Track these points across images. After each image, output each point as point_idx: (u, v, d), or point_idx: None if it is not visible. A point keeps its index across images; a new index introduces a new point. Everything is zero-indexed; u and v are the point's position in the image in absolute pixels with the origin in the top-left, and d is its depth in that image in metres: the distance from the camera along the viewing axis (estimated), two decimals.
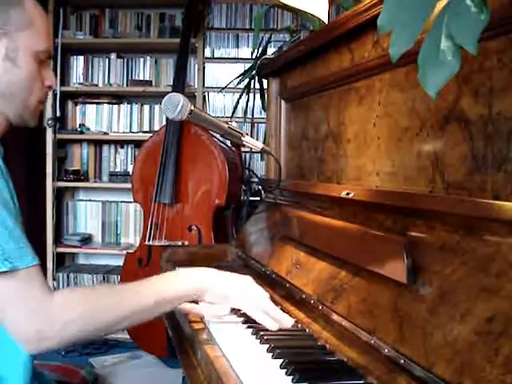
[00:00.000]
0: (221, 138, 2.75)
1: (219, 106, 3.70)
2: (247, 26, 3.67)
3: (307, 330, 1.10)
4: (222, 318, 1.14)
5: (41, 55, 1.12)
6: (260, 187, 1.88)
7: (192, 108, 1.48)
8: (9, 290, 0.93)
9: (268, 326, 1.09)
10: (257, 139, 3.11)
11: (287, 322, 1.12)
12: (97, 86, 3.71)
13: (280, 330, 1.10)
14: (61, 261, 3.73)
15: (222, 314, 1.13)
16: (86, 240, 3.66)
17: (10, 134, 1.16)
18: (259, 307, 1.11)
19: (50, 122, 3.52)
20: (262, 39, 2.68)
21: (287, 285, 1.29)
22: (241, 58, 3.67)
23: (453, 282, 0.80)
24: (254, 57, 2.60)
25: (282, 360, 0.91)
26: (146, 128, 3.73)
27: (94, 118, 3.77)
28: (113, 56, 3.74)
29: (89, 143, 3.78)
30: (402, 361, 0.81)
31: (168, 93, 1.53)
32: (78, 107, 3.79)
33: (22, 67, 1.10)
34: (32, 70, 1.11)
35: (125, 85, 3.72)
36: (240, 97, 2.71)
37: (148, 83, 3.68)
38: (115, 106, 3.75)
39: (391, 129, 1.13)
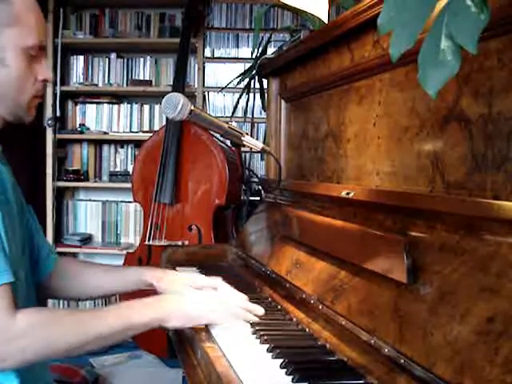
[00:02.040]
0: (221, 138, 2.75)
1: (219, 105, 3.70)
2: (247, 26, 3.67)
3: (307, 330, 1.10)
4: None
5: (31, 51, 1.07)
6: (260, 187, 1.88)
7: (192, 108, 1.48)
8: None
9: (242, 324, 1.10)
10: (257, 139, 3.10)
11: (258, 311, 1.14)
12: (97, 85, 3.71)
13: (280, 329, 1.10)
14: None
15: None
16: (86, 240, 3.66)
17: (6, 132, 1.13)
18: (233, 314, 1.12)
19: (49, 121, 3.52)
20: (262, 39, 2.68)
21: (287, 285, 1.29)
22: (241, 58, 3.67)
23: (453, 282, 0.80)
24: (254, 57, 2.60)
25: (282, 360, 0.91)
26: (146, 128, 3.73)
27: (93, 117, 3.77)
28: (113, 56, 3.74)
29: (89, 143, 3.78)
30: (402, 361, 0.81)
31: (168, 93, 1.53)
32: (78, 107, 3.79)
33: (11, 66, 1.05)
34: (22, 67, 1.06)
35: (125, 85, 3.73)
36: (240, 97, 2.71)
37: (148, 83, 3.69)
38: (115, 106, 3.76)
39: (391, 128, 1.13)
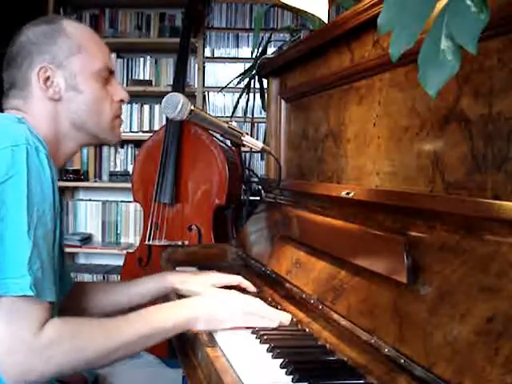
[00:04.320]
0: (221, 138, 2.75)
1: (219, 105, 3.70)
2: (247, 26, 3.67)
3: (307, 330, 1.10)
4: None
5: (101, 74, 1.14)
6: (260, 187, 1.88)
7: (192, 108, 1.48)
8: (18, 312, 0.91)
9: (267, 325, 1.09)
10: (257, 139, 3.10)
11: (285, 319, 1.12)
12: None
13: (280, 329, 1.10)
14: None
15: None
16: (86, 240, 3.66)
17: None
18: (257, 314, 1.11)
19: None
20: (262, 39, 2.68)
21: (287, 285, 1.29)
22: (241, 58, 3.67)
23: (453, 282, 0.80)
24: (254, 56, 2.60)
25: (281, 360, 0.91)
26: (146, 128, 3.73)
27: None
28: (113, 56, 3.74)
29: None
30: (402, 360, 0.81)
31: (168, 92, 1.53)
32: None
33: (84, 91, 1.12)
34: (95, 90, 1.13)
35: (125, 84, 3.72)
36: (240, 97, 2.71)
37: (148, 83, 3.69)
38: None
39: (391, 128, 1.13)
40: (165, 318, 1.05)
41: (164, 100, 1.47)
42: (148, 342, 1.03)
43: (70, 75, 1.11)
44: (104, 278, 3.50)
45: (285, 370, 0.88)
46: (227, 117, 3.43)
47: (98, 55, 1.15)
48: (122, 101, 1.19)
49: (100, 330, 1.00)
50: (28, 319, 0.92)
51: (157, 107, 3.73)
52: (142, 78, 3.75)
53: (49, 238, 0.98)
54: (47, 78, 1.10)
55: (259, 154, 3.34)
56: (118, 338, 0.99)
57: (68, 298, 1.24)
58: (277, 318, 1.11)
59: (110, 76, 1.18)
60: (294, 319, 1.15)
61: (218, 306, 1.10)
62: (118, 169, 3.76)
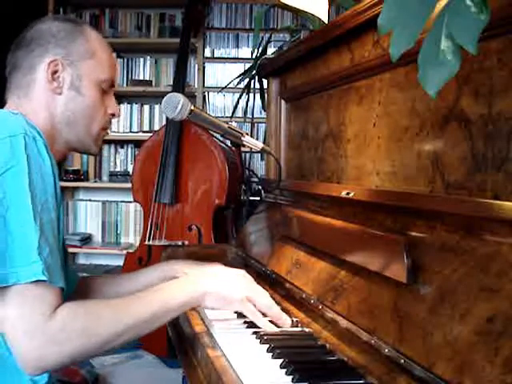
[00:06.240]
0: (221, 138, 2.75)
1: (219, 105, 3.70)
2: (247, 26, 3.68)
3: (307, 330, 1.10)
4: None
5: (103, 84, 1.19)
6: (260, 187, 1.88)
7: (192, 108, 1.47)
8: (30, 297, 0.92)
9: (268, 329, 1.09)
10: (257, 139, 3.12)
11: (287, 322, 1.13)
12: None
13: (280, 329, 1.10)
14: None
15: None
16: (86, 240, 3.66)
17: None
18: (262, 308, 1.11)
19: None
20: (262, 39, 2.68)
21: (287, 285, 1.29)
22: (241, 58, 3.67)
23: (453, 282, 0.80)
24: (254, 57, 2.60)
25: (281, 360, 0.91)
26: (146, 128, 3.74)
27: None
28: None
29: None
30: (402, 361, 0.81)
31: (168, 93, 1.53)
32: None
33: (85, 95, 1.16)
34: (95, 98, 1.17)
35: (125, 85, 3.73)
36: (240, 97, 2.71)
37: (148, 83, 3.69)
38: None
39: (391, 129, 1.13)
40: (176, 294, 1.06)
41: (164, 100, 1.47)
42: (160, 321, 1.03)
43: (77, 76, 1.15)
44: None
45: (285, 370, 0.88)
46: (227, 117, 3.43)
47: (107, 66, 1.20)
48: (112, 115, 1.23)
49: (113, 309, 1.00)
50: (41, 304, 0.92)
51: (157, 107, 3.73)
52: (141, 78, 3.75)
53: (53, 225, 0.99)
54: (55, 72, 1.13)
55: (259, 154, 3.34)
56: (130, 317, 0.99)
57: (73, 293, 1.25)
58: (280, 318, 1.12)
59: (110, 89, 1.22)
60: (294, 319, 1.16)
61: (228, 287, 1.11)
62: (118, 169, 3.77)
